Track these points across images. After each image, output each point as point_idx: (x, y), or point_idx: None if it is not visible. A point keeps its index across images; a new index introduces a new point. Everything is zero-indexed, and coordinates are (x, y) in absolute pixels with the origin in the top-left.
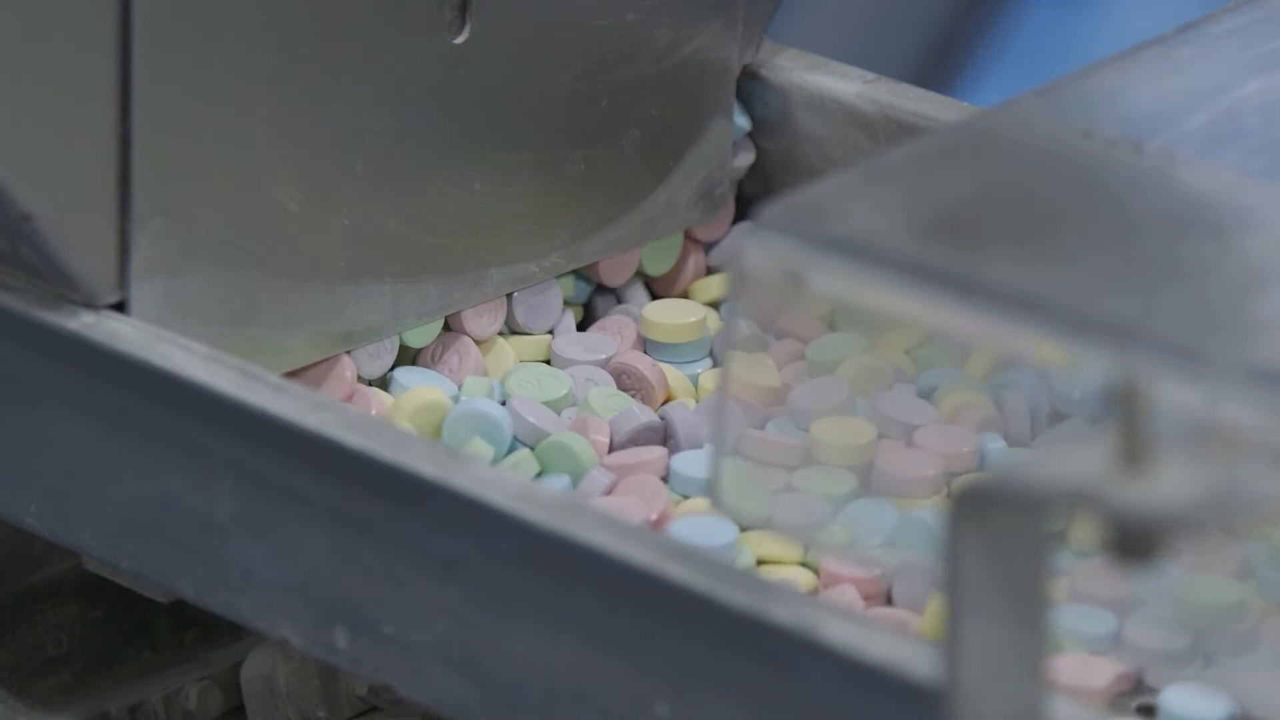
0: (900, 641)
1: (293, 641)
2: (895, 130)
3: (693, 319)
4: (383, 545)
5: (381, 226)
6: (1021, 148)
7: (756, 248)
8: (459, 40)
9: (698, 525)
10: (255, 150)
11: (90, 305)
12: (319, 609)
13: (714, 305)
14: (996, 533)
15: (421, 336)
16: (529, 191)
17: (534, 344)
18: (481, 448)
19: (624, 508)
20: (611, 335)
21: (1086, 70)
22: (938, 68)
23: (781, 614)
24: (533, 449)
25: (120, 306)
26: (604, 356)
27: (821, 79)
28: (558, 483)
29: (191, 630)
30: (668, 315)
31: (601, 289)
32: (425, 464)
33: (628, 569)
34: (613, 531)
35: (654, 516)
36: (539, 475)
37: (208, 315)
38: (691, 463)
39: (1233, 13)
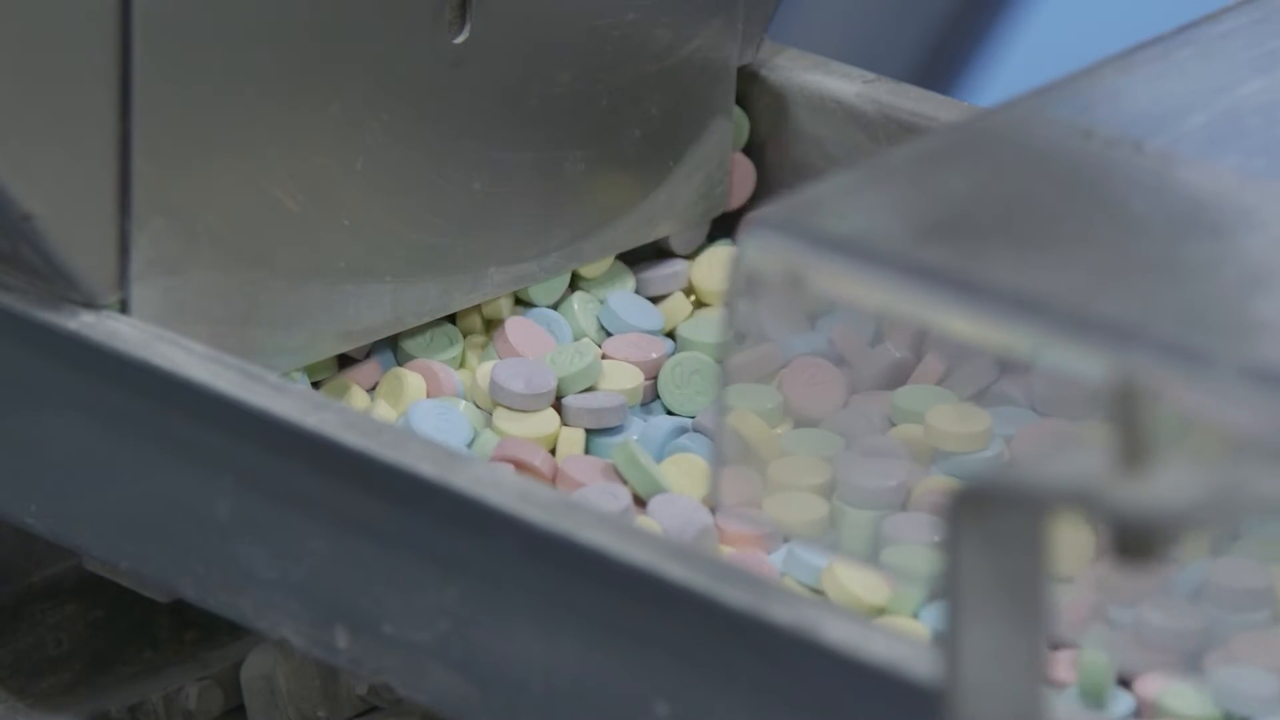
0: (900, 641)
1: (293, 641)
2: (895, 130)
3: (979, 428)
4: (383, 545)
5: (381, 226)
6: (1021, 148)
7: (756, 248)
8: (459, 40)
9: None
10: (255, 150)
11: (90, 305)
12: (319, 609)
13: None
14: (996, 533)
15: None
16: (529, 191)
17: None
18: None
19: None
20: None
21: (1086, 70)
22: (938, 68)
23: (781, 614)
24: None
25: (120, 306)
26: (894, 483)
27: (821, 79)
28: None
29: (191, 630)
30: (956, 423)
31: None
32: (425, 464)
33: (628, 569)
34: (612, 531)
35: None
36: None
37: (208, 315)
38: None
39: (1233, 13)
